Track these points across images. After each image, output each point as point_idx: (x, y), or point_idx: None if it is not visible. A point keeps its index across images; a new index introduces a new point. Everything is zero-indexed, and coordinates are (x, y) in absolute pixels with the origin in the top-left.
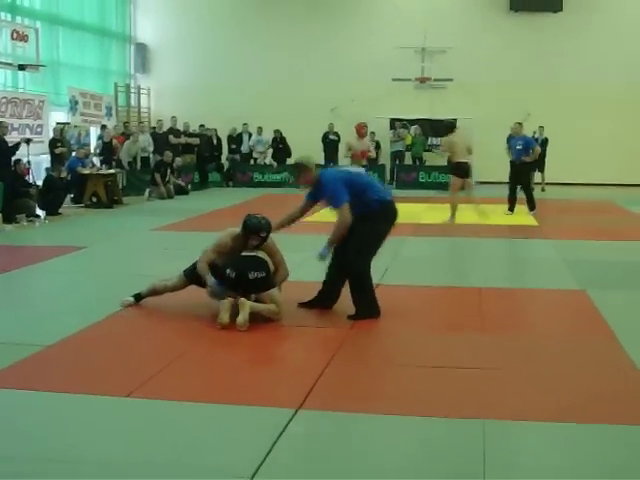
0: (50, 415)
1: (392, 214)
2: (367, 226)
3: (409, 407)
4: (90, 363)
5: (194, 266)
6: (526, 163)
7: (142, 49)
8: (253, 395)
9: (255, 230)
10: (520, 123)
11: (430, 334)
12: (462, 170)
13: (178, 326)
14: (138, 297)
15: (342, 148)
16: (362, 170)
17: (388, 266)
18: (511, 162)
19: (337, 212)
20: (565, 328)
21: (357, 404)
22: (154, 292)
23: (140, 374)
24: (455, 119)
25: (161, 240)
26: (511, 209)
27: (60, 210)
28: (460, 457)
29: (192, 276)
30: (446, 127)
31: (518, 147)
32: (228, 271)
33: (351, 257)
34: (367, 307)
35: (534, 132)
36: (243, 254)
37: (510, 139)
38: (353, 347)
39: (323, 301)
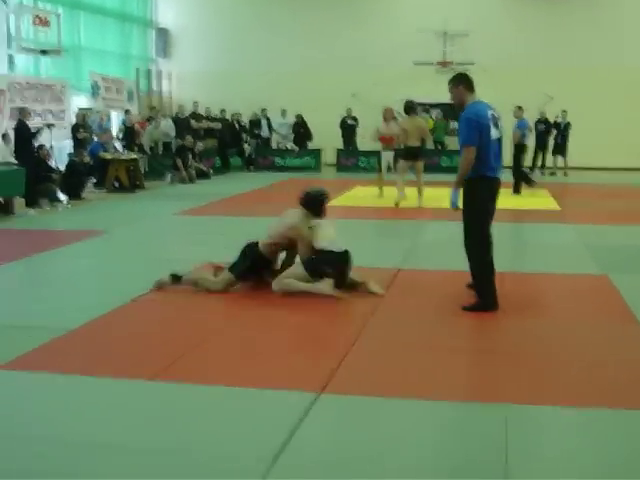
0: (72, 398)
1: (495, 191)
2: (472, 202)
3: (429, 390)
4: (114, 346)
5: (249, 260)
6: (516, 146)
7: (163, 34)
8: (276, 377)
9: (322, 197)
10: (520, 107)
11: (451, 317)
12: (411, 154)
13: (208, 308)
14: (176, 278)
15: (363, 132)
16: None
17: (410, 250)
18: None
19: (463, 150)
20: (586, 312)
21: (378, 387)
22: (194, 283)
23: (166, 357)
24: (411, 101)
25: (184, 224)
26: (516, 190)
27: (82, 195)
28: (483, 442)
29: (246, 272)
30: (407, 108)
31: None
32: (326, 269)
33: (466, 249)
34: (483, 299)
35: (556, 116)
36: (331, 250)
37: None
38: (379, 326)
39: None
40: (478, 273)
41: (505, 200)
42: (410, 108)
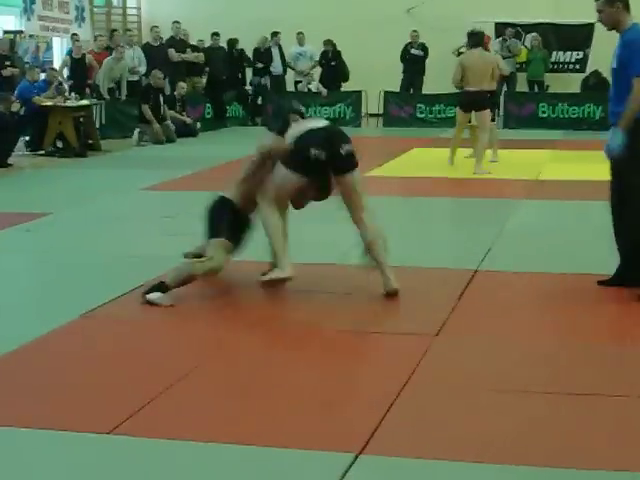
0: (3, 456)
1: None
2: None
3: (496, 452)
4: (57, 384)
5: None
6: None
7: None
8: (293, 434)
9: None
10: None
11: (545, 341)
12: (468, 102)
13: (188, 329)
14: (163, 288)
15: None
16: None
17: (492, 244)
18: None
19: (635, 82)
20: None
21: (431, 447)
22: (183, 281)
23: (129, 402)
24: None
25: (156, 204)
26: None
27: (10, 160)
28: None
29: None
30: (474, 37)
31: None
32: (314, 152)
33: (630, 219)
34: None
35: None
36: (313, 127)
37: None
38: (436, 364)
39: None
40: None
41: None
42: (473, 38)
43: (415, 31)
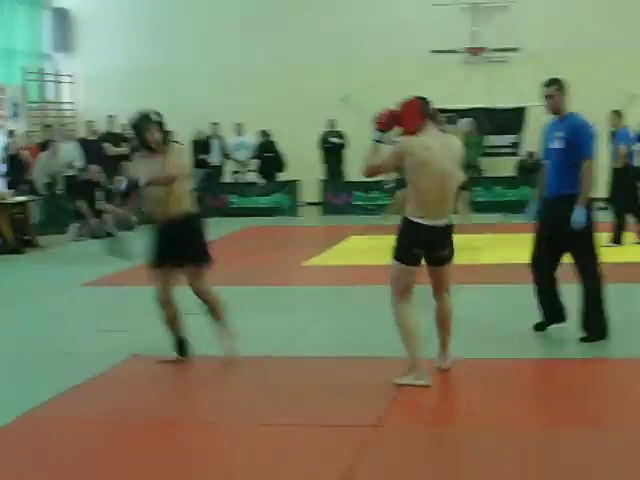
0: None
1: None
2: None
3: None
4: None
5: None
6: (619, 170)
7: (62, 17)
8: None
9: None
10: (617, 111)
11: (505, 430)
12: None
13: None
14: (182, 345)
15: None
16: None
17: (430, 331)
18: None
19: (586, 164)
20: None
21: None
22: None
23: None
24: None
25: (98, 300)
26: (616, 240)
27: None
28: None
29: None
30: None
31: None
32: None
33: (583, 269)
34: (601, 327)
35: None
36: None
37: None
38: (378, 459)
39: (554, 318)
40: (596, 292)
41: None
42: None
43: (333, 119)
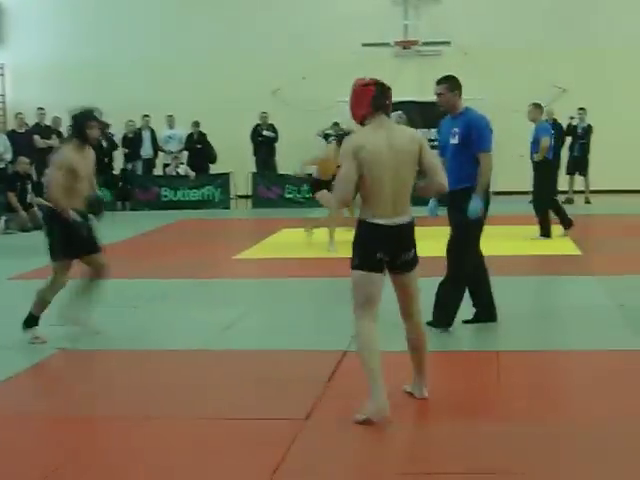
0: None
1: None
2: (466, 223)
3: None
4: None
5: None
6: (539, 164)
7: None
8: None
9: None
10: (537, 104)
11: (423, 422)
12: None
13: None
14: (32, 322)
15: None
16: None
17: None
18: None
19: (482, 157)
20: (620, 409)
21: None
22: (45, 303)
23: None
24: None
25: (25, 294)
26: (544, 233)
27: None
28: None
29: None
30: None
31: (531, 140)
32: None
33: (451, 259)
34: (441, 317)
35: (571, 118)
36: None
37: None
38: (306, 450)
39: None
40: (449, 286)
41: (506, 244)
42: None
43: (264, 112)
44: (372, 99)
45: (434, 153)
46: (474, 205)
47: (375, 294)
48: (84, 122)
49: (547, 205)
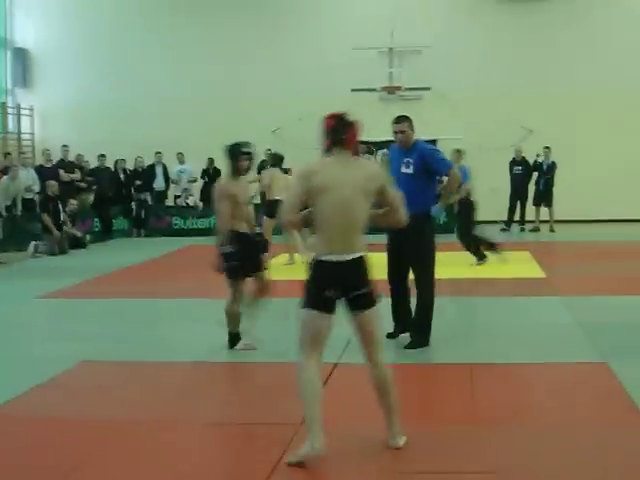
0: None
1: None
2: (428, 239)
3: None
4: None
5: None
6: (461, 203)
7: (22, 56)
8: None
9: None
10: (457, 150)
11: (404, 428)
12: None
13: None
14: (235, 339)
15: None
16: None
17: (350, 338)
18: None
19: (449, 174)
20: (581, 415)
21: None
22: (236, 316)
23: None
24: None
25: (53, 311)
26: (480, 257)
27: None
28: None
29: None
30: (275, 158)
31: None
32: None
33: (420, 286)
34: (424, 338)
35: (537, 155)
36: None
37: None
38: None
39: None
40: (428, 308)
41: (474, 268)
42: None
43: (269, 149)
44: (330, 132)
45: (396, 190)
46: (436, 211)
47: (321, 334)
48: (234, 155)
49: (470, 240)
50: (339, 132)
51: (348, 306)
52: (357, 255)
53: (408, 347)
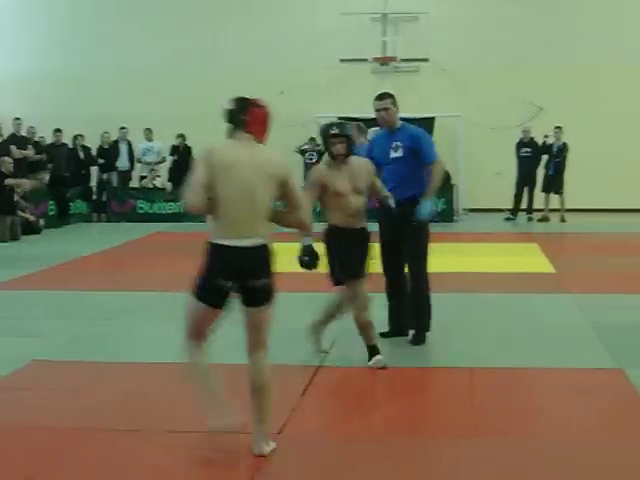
0: None
1: None
2: (423, 230)
3: None
4: None
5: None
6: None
7: None
8: None
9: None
10: (357, 125)
11: (396, 441)
12: None
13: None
14: (375, 351)
15: None
16: None
17: (335, 338)
18: None
19: (434, 165)
20: (593, 428)
21: None
22: (370, 326)
23: None
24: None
25: (1, 303)
26: None
27: None
28: None
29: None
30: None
31: None
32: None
33: (414, 278)
34: (426, 323)
35: (545, 136)
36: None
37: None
38: (280, 465)
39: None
40: (426, 295)
41: (481, 261)
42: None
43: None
44: (228, 113)
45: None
46: (424, 207)
47: (205, 325)
48: (323, 138)
49: None
50: (239, 113)
51: (243, 300)
52: (259, 242)
53: (415, 343)
